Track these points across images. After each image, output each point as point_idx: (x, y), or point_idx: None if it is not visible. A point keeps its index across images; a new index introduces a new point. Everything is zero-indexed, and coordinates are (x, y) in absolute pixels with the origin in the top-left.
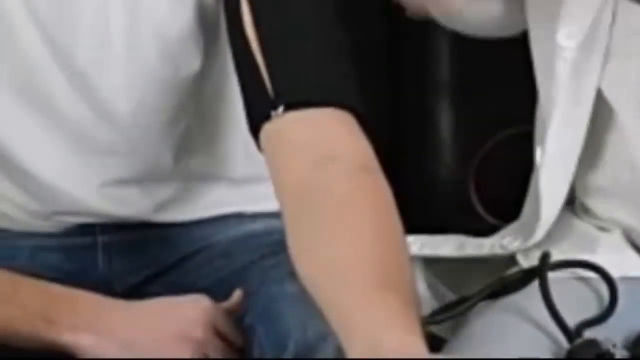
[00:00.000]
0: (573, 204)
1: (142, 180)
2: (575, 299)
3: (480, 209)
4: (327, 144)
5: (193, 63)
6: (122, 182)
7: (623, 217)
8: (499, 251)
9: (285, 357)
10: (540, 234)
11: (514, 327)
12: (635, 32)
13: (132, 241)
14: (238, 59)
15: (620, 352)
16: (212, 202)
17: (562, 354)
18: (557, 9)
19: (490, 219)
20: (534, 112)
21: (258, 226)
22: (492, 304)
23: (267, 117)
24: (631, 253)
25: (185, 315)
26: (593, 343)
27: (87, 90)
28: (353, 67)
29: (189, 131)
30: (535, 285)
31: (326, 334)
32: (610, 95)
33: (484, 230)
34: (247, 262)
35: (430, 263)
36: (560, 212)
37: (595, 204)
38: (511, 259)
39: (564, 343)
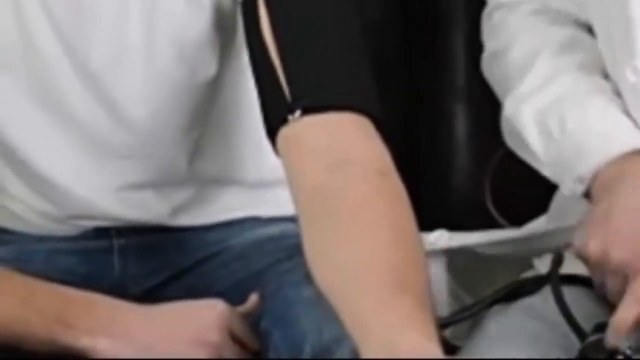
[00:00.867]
0: None
1: (158, 184)
2: (591, 302)
3: (494, 212)
4: (343, 147)
5: (209, 67)
6: (138, 186)
7: None
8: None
9: None
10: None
11: (528, 329)
12: None
13: (147, 244)
14: (255, 62)
15: (631, 351)
16: (227, 206)
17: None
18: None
19: (505, 223)
20: None
21: (274, 229)
22: (507, 306)
23: (284, 121)
24: None
25: (201, 319)
26: (604, 341)
27: (103, 94)
28: (369, 71)
29: (204, 135)
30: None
31: (342, 337)
32: None
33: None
34: (262, 266)
35: (452, 267)
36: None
37: None
38: (529, 265)
39: (578, 345)
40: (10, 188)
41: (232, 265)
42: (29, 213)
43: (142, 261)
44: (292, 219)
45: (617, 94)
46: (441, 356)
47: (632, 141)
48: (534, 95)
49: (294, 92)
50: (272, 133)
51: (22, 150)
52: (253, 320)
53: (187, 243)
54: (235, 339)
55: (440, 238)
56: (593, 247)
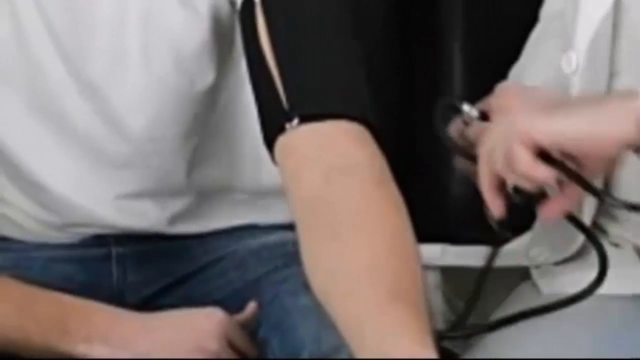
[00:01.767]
0: None
1: (156, 192)
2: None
3: (492, 221)
4: (340, 156)
5: (207, 76)
6: (136, 195)
7: (632, 237)
8: (524, 262)
9: None
10: (574, 247)
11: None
12: None
13: (146, 252)
14: (253, 71)
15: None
16: (225, 214)
17: None
18: None
19: (502, 232)
20: None
21: (271, 238)
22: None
23: (281, 129)
24: None
25: (199, 327)
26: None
27: (101, 104)
28: (366, 79)
29: (202, 144)
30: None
31: (340, 345)
32: None
33: (494, 243)
34: (260, 274)
35: (446, 275)
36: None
37: (607, 223)
38: (525, 273)
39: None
40: (9, 196)
41: (230, 274)
42: (28, 221)
43: (140, 269)
44: (290, 227)
45: None
46: None
47: None
48: None
49: (292, 100)
50: (269, 141)
51: (20, 159)
52: (251, 328)
53: (185, 251)
54: (233, 347)
55: (433, 253)
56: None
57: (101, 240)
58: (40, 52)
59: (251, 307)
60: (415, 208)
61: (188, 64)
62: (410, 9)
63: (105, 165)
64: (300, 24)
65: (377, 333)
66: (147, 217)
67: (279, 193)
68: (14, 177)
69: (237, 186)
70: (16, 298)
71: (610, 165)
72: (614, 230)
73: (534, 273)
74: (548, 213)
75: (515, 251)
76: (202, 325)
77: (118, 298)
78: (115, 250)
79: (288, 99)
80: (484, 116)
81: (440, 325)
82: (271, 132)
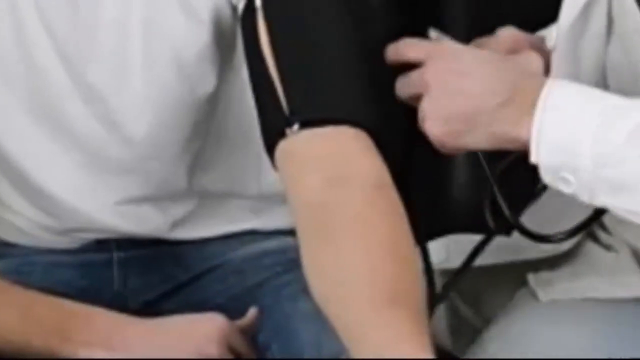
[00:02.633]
0: None
1: (157, 198)
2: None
3: (493, 226)
4: (341, 161)
5: (209, 82)
6: (137, 200)
7: (631, 238)
8: (515, 257)
9: None
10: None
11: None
12: None
13: (147, 257)
14: (254, 76)
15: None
16: (226, 220)
17: None
18: None
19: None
20: None
21: (272, 243)
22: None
23: (282, 134)
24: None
25: (199, 333)
26: None
27: (103, 110)
28: (367, 84)
29: (203, 149)
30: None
31: (340, 351)
32: None
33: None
34: (260, 280)
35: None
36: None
37: (610, 221)
38: (523, 282)
39: None
40: (10, 201)
41: (230, 280)
42: (29, 226)
43: (142, 274)
44: (291, 233)
45: None
46: None
47: None
48: None
49: (292, 105)
50: (270, 146)
51: (22, 165)
52: (252, 333)
53: (187, 256)
54: (234, 352)
55: (438, 258)
56: None
57: (102, 245)
58: (42, 58)
59: (252, 312)
60: (414, 214)
61: (189, 70)
62: (413, 10)
63: (107, 171)
64: (301, 30)
65: (376, 338)
66: (148, 222)
67: (279, 199)
68: (15, 183)
69: (238, 192)
70: (18, 303)
71: None
72: (615, 228)
73: (531, 280)
74: None
75: (506, 245)
76: (202, 330)
77: (119, 303)
78: (116, 256)
79: (289, 104)
80: None
81: (443, 327)
82: (272, 137)
